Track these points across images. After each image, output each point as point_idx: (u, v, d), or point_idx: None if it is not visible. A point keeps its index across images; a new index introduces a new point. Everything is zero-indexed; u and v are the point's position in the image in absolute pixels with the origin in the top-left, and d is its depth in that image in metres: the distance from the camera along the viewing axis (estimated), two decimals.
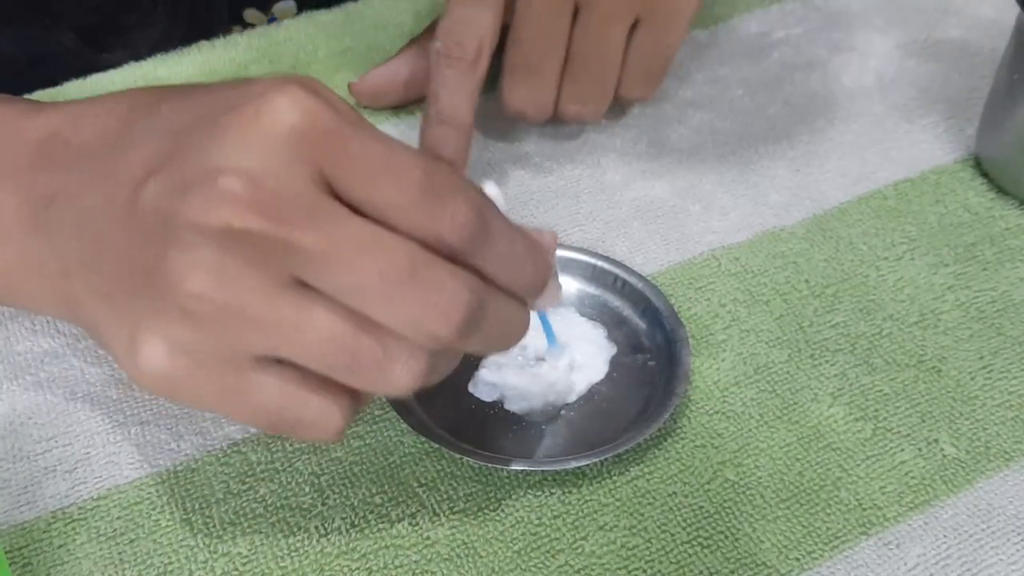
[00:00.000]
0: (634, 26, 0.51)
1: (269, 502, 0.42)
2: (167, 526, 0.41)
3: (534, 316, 0.43)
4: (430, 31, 0.56)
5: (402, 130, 0.57)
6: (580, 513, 0.42)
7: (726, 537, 0.41)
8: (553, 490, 0.42)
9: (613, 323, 0.47)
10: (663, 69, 0.54)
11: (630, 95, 0.54)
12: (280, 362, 0.35)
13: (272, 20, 0.70)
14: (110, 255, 0.36)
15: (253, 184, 0.33)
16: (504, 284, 0.37)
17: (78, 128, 0.39)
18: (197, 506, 0.41)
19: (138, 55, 0.60)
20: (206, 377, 0.35)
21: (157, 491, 0.42)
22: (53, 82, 0.57)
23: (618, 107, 0.54)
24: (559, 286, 0.40)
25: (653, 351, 0.46)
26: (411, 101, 0.57)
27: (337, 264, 0.33)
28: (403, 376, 0.35)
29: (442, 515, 0.41)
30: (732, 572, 0.40)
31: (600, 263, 0.49)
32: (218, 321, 0.34)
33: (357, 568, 0.40)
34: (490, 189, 0.39)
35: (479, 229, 0.35)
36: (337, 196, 0.34)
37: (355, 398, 0.36)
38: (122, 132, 0.38)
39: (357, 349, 0.34)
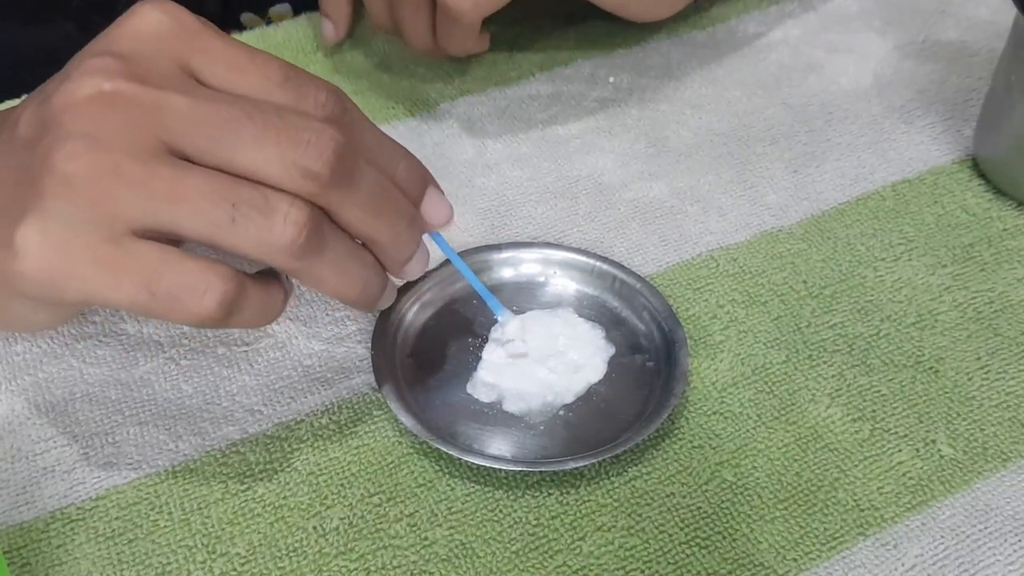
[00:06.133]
0: None
1: (267, 502, 0.42)
2: (165, 526, 0.41)
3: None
4: None
5: (403, 132, 0.57)
6: (578, 514, 0.42)
7: (724, 538, 0.41)
8: (551, 491, 0.42)
9: (611, 324, 0.47)
10: None
11: None
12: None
13: (268, 24, 0.70)
14: None
15: (123, 60, 0.35)
16: (380, 166, 0.38)
17: None
18: (195, 506, 0.42)
19: None
20: (81, 249, 0.35)
21: (155, 491, 0.42)
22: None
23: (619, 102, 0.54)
24: (449, 205, 0.42)
25: (651, 352, 0.46)
26: None
27: (207, 117, 0.35)
28: (287, 229, 0.35)
29: (440, 515, 0.42)
30: (730, 573, 0.40)
31: (599, 264, 0.49)
32: (95, 186, 0.34)
33: (355, 568, 0.40)
34: None
35: (341, 109, 0.37)
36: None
37: (236, 272, 0.36)
38: (15, 111, 0.39)
39: (237, 197, 0.35)
